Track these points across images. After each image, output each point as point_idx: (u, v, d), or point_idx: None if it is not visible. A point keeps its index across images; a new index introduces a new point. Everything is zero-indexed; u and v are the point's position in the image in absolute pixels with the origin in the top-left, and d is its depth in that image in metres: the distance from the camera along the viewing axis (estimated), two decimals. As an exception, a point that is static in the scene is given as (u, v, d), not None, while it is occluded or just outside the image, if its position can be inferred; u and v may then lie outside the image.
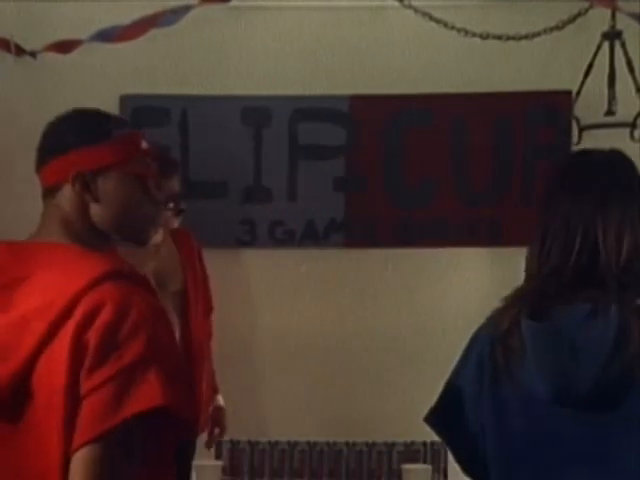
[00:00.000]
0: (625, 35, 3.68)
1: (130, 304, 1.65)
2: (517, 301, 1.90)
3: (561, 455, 1.76)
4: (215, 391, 3.58)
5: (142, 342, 1.62)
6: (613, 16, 3.68)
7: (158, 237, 3.23)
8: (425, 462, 3.70)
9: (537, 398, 1.76)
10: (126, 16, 3.83)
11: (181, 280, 3.43)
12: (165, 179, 3.26)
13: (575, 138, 3.81)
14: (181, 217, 3.43)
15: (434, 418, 1.97)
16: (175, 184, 3.36)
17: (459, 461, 1.92)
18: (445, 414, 1.95)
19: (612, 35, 3.68)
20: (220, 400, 3.58)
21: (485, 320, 1.94)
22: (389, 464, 3.76)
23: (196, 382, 3.35)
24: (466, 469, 1.92)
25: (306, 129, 3.97)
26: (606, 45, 3.69)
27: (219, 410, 3.57)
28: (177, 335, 3.31)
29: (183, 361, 1.75)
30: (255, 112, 3.97)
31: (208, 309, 3.65)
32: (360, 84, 3.96)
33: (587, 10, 3.76)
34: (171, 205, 3.33)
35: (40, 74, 3.93)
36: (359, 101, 3.96)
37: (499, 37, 3.81)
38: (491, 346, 1.84)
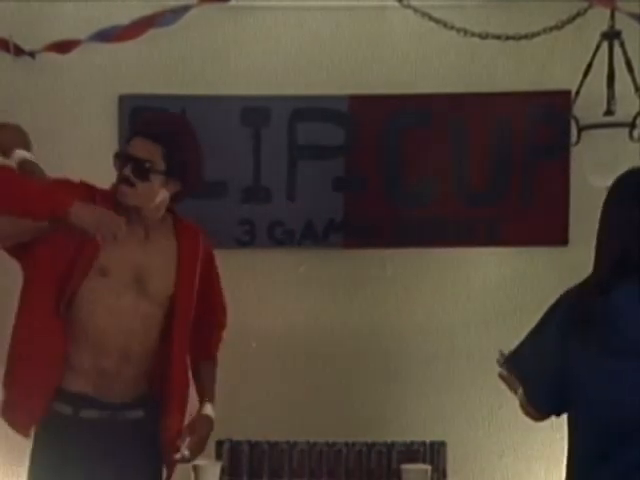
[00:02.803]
0: (624, 35, 3.69)
1: None
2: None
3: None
4: (209, 399, 3.25)
5: None
6: (612, 16, 3.68)
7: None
8: (425, 462, 3.69)
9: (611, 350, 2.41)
10: (125, 16, 3.83)
11: (170, 289, 3.10)
12: (132, 137, 3.03)
13: (574, 138, 3.81)
14: (128, 189, 2.98)
15: (513, 363, 2.63)
16: (132, 147, 3.00)
17: (534, 396, 2.57)
18: (526, 360, 2.58)
19: (611, 35, 3.68)
20: (208, 409, 3.22)
21: (564, 294, 2.53)
22: (389, 464, 3.76)
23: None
24: (541, 403, 2.58)
25: (305, 129, 3.97)
26: (605, 45, 3.70)
27: (203, 418, 3.20)
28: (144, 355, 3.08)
29: None
30: (254, 112, 3.97)
31: (220, 323, 3.33)
32: (359, 84, 3.95)
33: (586, 10, 3.75)
34: (114, 164, 3.02)
35: (39, 74, 3.92)
36: (358, 101, 3.95)
37: (498, 37, 3.81)
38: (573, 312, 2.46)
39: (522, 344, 2.62)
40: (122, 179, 2.98)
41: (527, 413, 2.66)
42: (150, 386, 3.15)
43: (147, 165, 2.97)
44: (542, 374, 2.54)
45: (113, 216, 2.87)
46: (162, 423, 3.13)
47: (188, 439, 3.15)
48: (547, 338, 2.52)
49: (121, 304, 3.02)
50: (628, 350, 2.40)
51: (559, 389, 2.51)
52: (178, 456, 3.14)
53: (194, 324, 3.19)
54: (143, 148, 2.98)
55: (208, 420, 3.23)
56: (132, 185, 2.98)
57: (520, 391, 2.65)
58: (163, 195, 3.05)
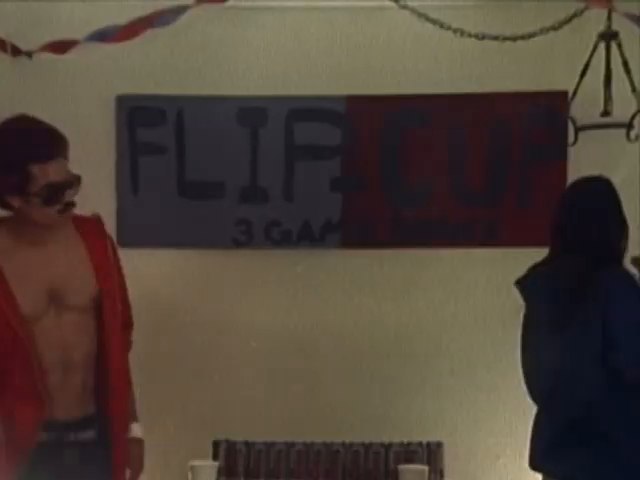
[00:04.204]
0: (621, 35, 3.68)
1: None
2: None
3: None
4: (132, 419, 3.05)
5: None
6: (609, 17, 3.68)
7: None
8: (422, 463, 3.69)
9: None
10: (123, 16, 3.83)
11: (92, 289, 2.89)
12: (39, 165, 2.73)
13: (571, 138, 3.81)
14: (69, 213, 2.84)
15: None
16: (54, 172, 2.76)
17: None
18: None
19: (608, 35, 3.68)
20: (137, 430, 3.04)
21: None
22: (385, 465, 3.76)
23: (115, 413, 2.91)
24: None
25: (302, 129, 3.97)
26: (602, 45, 3.69)
27: (134, 443, 3.02)
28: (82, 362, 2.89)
29: None
30: (251, 112, 3.97)
31: (126, 322, 3.07)
32: (356, 84, 3.95)
33: (583, 11, 3.75)
34: (47, 198, 2.76)
35: (36, 74, 3.92)
36: (355, 101, 3.95)
37: (495, 37, 3.81)
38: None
39: None
40: (69, 204, 2.83)
41: None
42: (97, 403, 2.93)
43: (77, 181, 2.86)
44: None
45: None
46: (112, 441, 2.93)
47: (128, 471, 3.01)
48: None
49: (45, 321, 2.84)
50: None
51: None
52: None
53: None
54: (65, 169, 2.82)
55: (140, 443, 3.05)
56: (74, 205, 2.86)
57: None
58: None
